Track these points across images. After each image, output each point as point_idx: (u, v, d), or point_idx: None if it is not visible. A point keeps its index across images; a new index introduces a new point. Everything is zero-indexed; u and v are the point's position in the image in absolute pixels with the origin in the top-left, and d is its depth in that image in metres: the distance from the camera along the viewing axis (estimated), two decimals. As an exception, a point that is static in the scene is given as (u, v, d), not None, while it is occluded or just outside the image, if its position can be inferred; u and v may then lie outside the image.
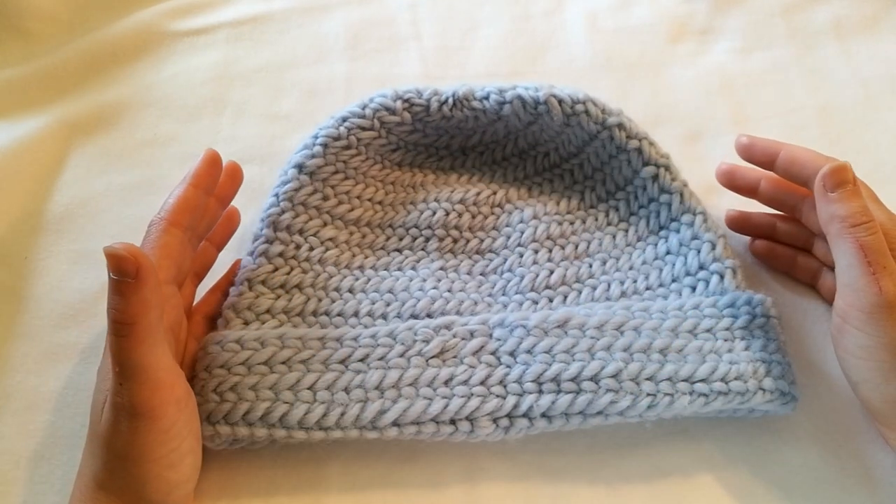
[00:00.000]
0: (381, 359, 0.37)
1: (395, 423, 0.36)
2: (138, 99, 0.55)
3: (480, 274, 0.44)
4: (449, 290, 0.42)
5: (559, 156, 0.47)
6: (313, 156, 0.43)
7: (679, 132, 0.53)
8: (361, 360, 0.37)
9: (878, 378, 0.34)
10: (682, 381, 0.36)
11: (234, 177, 0.42)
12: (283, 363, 0.37)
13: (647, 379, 0.36)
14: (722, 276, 0.40)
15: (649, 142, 0.43)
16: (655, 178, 0.43)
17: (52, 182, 0.50)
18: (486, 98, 0.44)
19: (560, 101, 0.43)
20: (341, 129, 0.44)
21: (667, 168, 0.43)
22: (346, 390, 0.36)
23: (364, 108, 0.45)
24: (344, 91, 0.56)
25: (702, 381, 0.36)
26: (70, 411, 0.40)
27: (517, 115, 0.44)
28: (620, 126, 0.43)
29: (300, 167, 0.43)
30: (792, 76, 0.56)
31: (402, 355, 0.37)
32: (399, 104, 0.45)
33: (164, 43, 0.58)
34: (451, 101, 0.45)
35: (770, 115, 0.54)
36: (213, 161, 0.39)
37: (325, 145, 0.43)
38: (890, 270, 0.33)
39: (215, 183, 0.39)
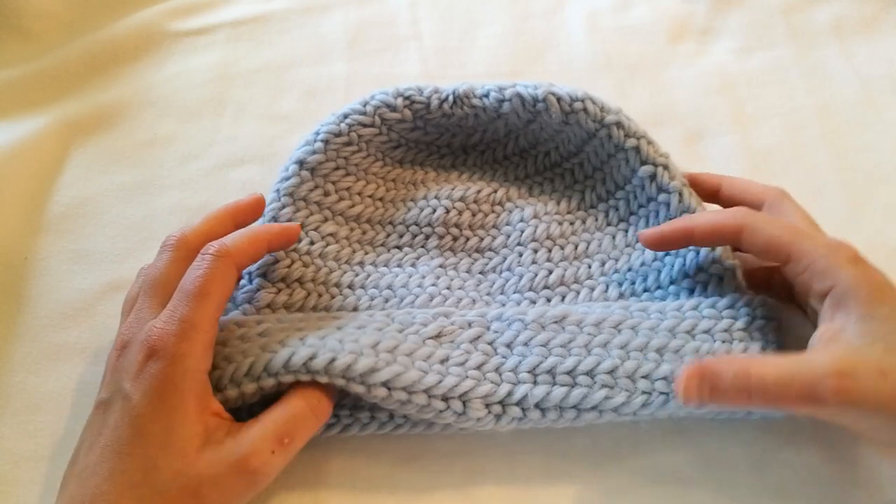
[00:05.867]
0: (378, 329, 0.37)
1: (386, 385, 0.34)
2: (138, 99, 0.55)
3: (480, 272, 0.44)
4: (448, 288, 0.42)
5: (559, 155, 0.47)
6: (314, 152, 0.43)
7: (679, 132, 0.53)
8: (357, 328, 0.37)
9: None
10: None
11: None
12: (279, 330, 0.36)
13: (644, 377, 0.36)
14: (721, 279, 0.40)
15: (647, 140, 0.43)
16: (653, 177, 0.42)
17: (52, 182, 0.50)
18: (486, 96, 0.45)
19: (559, 99, 0.43)
20: (342, 125, 0.44)
21: (665, 167, 0.42)
22: (340, 341, 0.35)
23: (365, 105, 0.45)
24: (344, 91, 0.56)
25: None
26: (70, 411, 0.40)
27: (516, 113, 0.44)
28: (619, 124, 0.43)
29: (301, 163, 0.43)
30: (792, 76, 0.56)
31: (399, 332, 0.37)
32: (400, 101, 0.45)
33: (164, 43, 0.58)
34: (451, 98, 0.45)
35: (770, 115, 0.54)
36: (293, 236, 0.40)
37: (326, 141, 0.44)
38: (807, 375, 0.31)
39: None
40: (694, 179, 0.43)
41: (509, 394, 0.35)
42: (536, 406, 0.35)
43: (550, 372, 0.36)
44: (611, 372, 0.36)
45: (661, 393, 0.35)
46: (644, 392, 0.35)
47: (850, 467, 0.38)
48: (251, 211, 0.40)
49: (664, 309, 0.39)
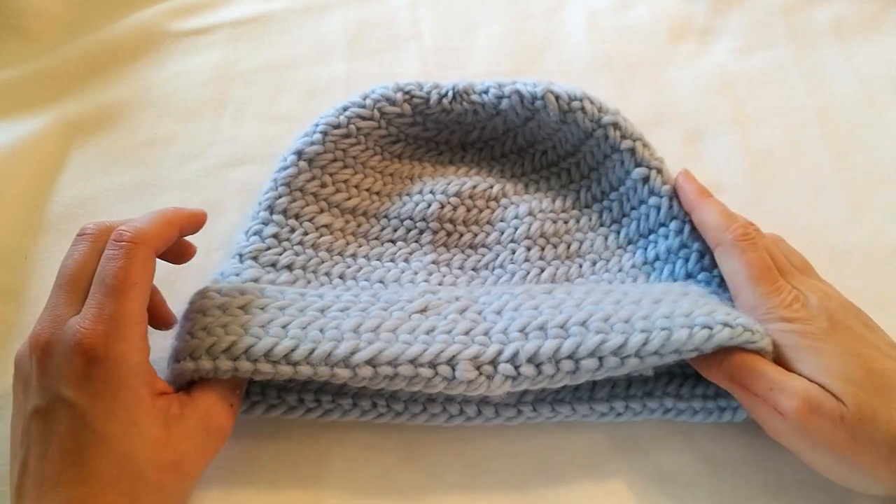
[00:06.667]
0: (362, 310, 0.36)
1: (370, 363, 0.33)
2: (138, 99, 0.55)
3: (472, 269, 0.44)
4: (440, 284, 0.42)
5: (556, 154, 0.47)
6: (313, 143, 0.44)
7: (679, 132, 0.53)
8: (341, 311, 0.36)
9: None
10: (681, 316, 0.34)
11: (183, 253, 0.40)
12: (260, 308, 0.36)
13: (642, 318, 0.34)
14: (709, 286, 0.40)
15: (643, 143, 0.43)
16: (646, 179, 0.42)
17: (52, 182, 0.50)
18: (486, 92, 0.45)
19: (557, 98, 0.43)
20: (341, 117, 0.44)
21: (659, 171, 0.42)
22: (322, 331, 0.35)
23: (365, 98, 0.45)
24: (344, 91, 0.56)
25: (703, 315, 0.34)
26: (70, 411, 0.40)
27: (515, 111, 0.45)
28: (615, 125, 0.43)
29: (299, 153, 0.43)
30: (792, 76, 0.56)
31: (384, 310, 0.36)
32: (400, 96, 0.45)
33: (164, 43, 0.58)
34: (450, 94, 0.45)
35: (770, 115, 0.54)
36: (200, 221, 0.38)
37: (325, 133, 0.44)
38: (778, 386, 0.33)
39: (187, 235, 0.38)
40: (678, 188, 0.42)
41: (500, 352, 0.34)
42: (529, 361, 0.33)
43: (542, 328, 0.34)
44: (606, 320, 0.34)
45: (663, 329, 0.33)
46: (643, 331, 0.33)
47: (850, 467, 0.38)
48: (195, 223, 0.38)
49: (652, 286, 0.39)
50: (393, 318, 0.36)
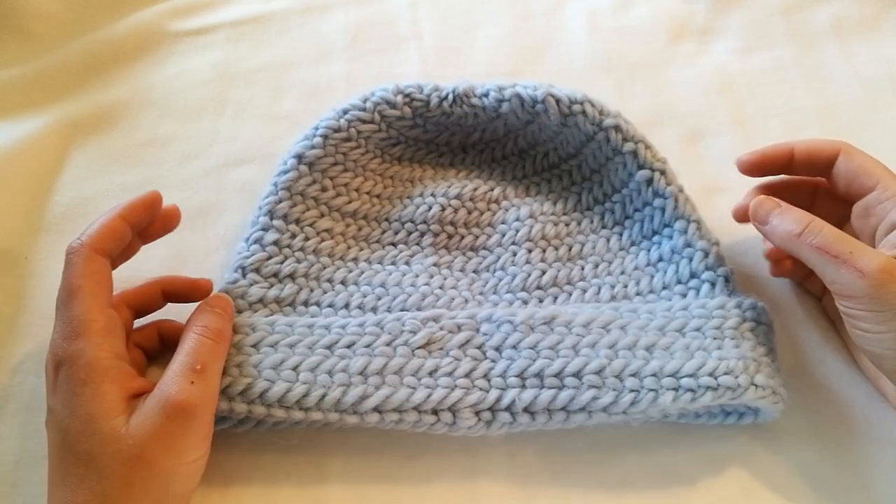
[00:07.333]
0: (367, 346, 0.37)
1: (377, 410, 0.35)
2: (138, 99, 0.55)
3: (473, 271, 0.44)
4: (441, 287, 0.42)
5: (558, 156, 0.47)
6: (313, 146, 0.44)
7: (679, 132, 0.53)
8: (347, 347, 0.37)
9: None
10: (668, 376, 0.35)
11: (168, 220, 0.40)
12: (271, 346, 0.37)
13: (632, 375, 0.36)
14: (713, 285, 0.40)
15: (645, 145, 0.43)
16: (650, 181, 0.42)
17: (52, 182, 0.50)
18: (486, 95, 0.45)
19: (558, 101, 0.43)
20: (342, 121, 0.44)
21: (662, 172, 0.42)
22: (330, 373, 0.36)
23: (365, 101, 0.45)
24: (344, 91, 0.56)
25: (689, 376, 0.35)
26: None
27: (515, 114, 0.45)
28: (617, 128, 0.43)
29: (300, 157, 0.43)
30: (792, 76, 0.56)
31: (388, 344, 0.37)
32: (400, 98, 0.45)
33: (164, 43, 0.58)
34: (451, 97, 0.45)
35: (770, 115, 0.54)
36: (151, 203, 0.38)
37: (325, 136, 0.44)
38: (858, 251, 0.34)
39: (145, 222, 0.38)
40: (764, 155, 0.42)
41: (498, 400, 0.36)
42: (525, 410, 0.36)
43: (538, 375, 0.36)
44: (598, 372, 0.36)
45: (650, 390, 0.35)
46: (632, 390, 0.35)
47: (849, 467, 0.38)
48: (144, 206, 0.38)
49: (654, 310, 0.39)
50: (397, 355, 0.37)
